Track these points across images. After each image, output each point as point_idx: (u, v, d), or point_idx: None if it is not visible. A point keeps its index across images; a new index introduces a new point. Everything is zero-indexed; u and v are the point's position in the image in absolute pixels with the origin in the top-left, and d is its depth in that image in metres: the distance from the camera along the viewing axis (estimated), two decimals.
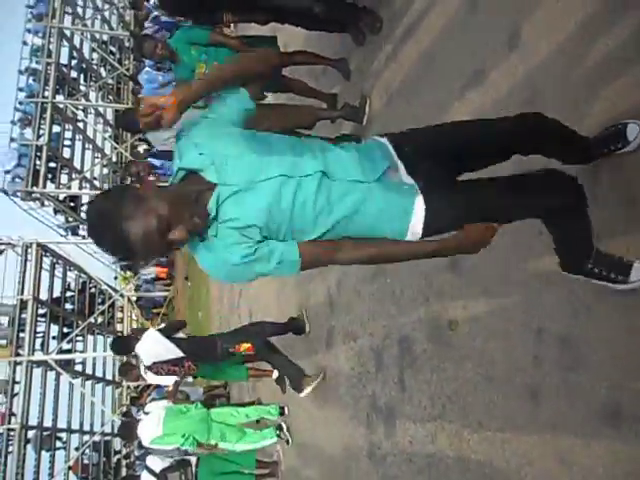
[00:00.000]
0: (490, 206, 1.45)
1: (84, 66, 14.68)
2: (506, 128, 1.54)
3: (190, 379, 6.08)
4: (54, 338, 12.28)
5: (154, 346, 4.54)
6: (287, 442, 5.13)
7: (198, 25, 3.69)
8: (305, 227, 1.37)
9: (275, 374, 5.54)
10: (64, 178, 12.67)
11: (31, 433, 11.05)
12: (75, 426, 12.91)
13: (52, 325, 12.41)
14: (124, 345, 4.83)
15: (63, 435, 12.59)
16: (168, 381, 5.67)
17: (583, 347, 1.86)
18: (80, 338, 13.61)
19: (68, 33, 12.96)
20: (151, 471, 4.67)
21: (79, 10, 14.13)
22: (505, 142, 1.54)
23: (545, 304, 2.04)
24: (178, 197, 1.30)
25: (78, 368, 13.28)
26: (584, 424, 1.84)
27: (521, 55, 2.24)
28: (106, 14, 15.56)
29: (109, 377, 14.65)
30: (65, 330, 12.84)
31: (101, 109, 14.61)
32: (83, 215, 13.71)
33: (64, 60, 13.10)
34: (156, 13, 5.34)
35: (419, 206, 1.39)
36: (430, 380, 2.77)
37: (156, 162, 8.60)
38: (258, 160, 1.34)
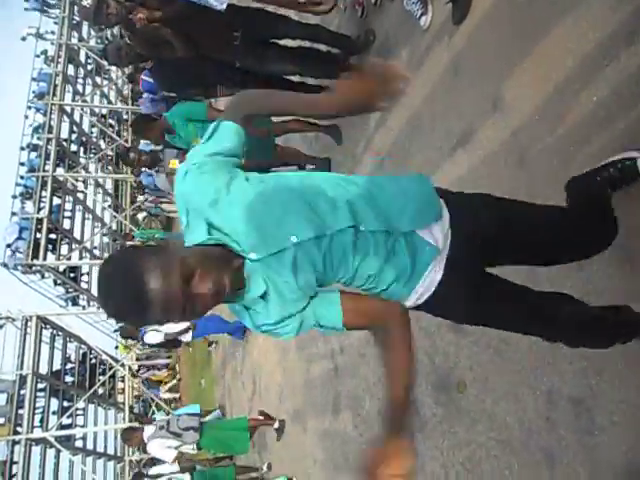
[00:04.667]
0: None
1: (84, 139, 15.06)
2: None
3: (195, 450, 5.88)
4: (54, 413, 11.91)
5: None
6: None
7: (190, 99, 3.84)
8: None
9: (277, 424, 5.57)
10: (64, 249, 12.70)
11: None
12: None
13: (52, 399, 12.09)
14: None
15: None
16: (168, 456, 5.59)
17: (597, 409, 1.80)
18: (81, 412, 13.21)
19: (68, 109, 13.38)
20: None
21: (79, 87, 14.66)
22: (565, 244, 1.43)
23: (554, 363, 1.99)
24: (204, 254, 1.15)
25: (79, 443, 12.82)
26: None
27: (505, 117, 2.30)
28: (105, 89, 16.14)
29: (111, 451, 14.12)
30: (65, 404, 12.49)
31: (100, 180, 14.87)
32: (83, 285, 13.67)
33: (64, 135, 13.46)
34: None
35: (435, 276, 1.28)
36: (441, 446, 2.66)
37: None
38: (276, 222, 1.18)
